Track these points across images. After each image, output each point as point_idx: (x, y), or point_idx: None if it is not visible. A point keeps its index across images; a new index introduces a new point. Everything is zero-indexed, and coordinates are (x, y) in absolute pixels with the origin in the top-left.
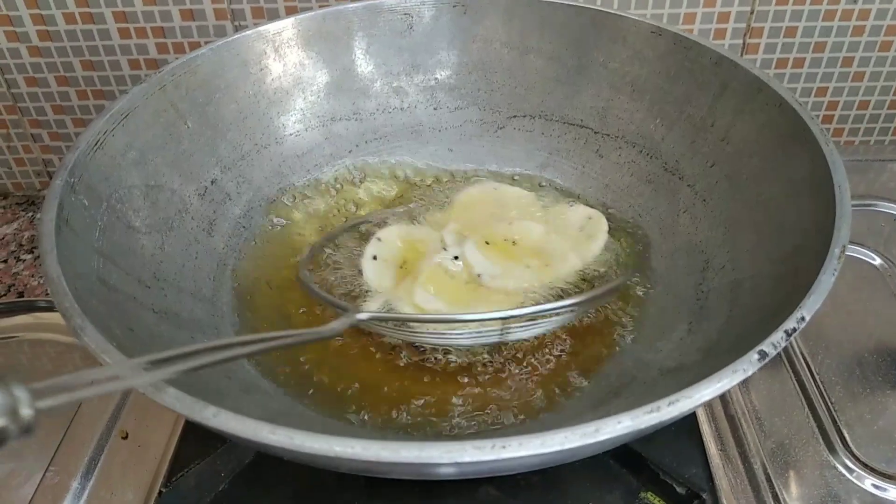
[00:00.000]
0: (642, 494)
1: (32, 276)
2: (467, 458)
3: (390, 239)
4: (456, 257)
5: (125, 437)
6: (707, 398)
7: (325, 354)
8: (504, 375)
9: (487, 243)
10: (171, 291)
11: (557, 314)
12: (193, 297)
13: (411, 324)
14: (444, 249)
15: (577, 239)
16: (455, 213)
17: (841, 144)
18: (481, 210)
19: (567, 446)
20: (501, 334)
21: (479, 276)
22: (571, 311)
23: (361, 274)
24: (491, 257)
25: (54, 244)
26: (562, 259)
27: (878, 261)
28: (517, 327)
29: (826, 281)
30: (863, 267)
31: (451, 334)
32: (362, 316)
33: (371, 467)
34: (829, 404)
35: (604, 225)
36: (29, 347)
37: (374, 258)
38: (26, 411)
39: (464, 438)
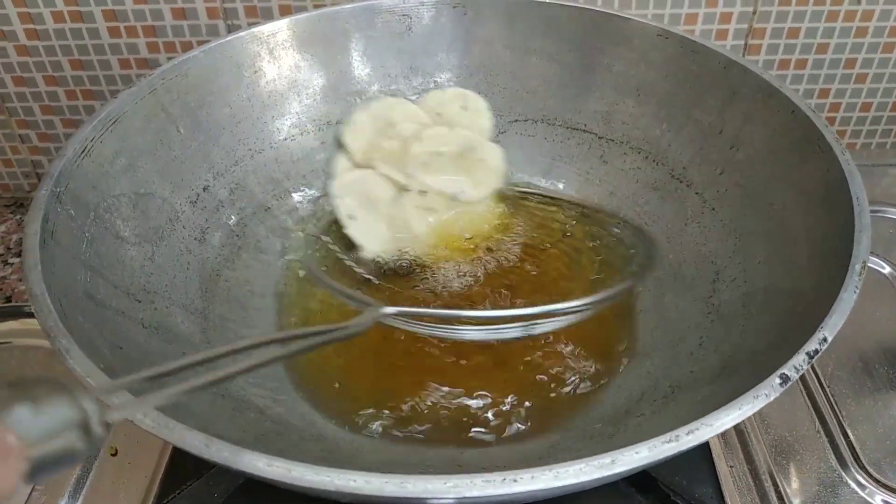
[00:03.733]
0: None
1: (20, 280)
2: (476, 493)
3: (349, 185)
4: (423, 191)
5: (114, 454)
6: (727, 426)
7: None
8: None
9: (426, 164)
10: (162, 304)
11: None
12: (185, 309)
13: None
14: (406, 190)
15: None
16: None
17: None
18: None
19: (582, 479)
20: (526, 328)
21: (454, 195)
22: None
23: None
24: (441, 171)
25: (38, 259)
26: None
27: (887, 269)
28: (544, 322)
29: (848, 299)
30: (871, 275)
31: (470, 330)
32: (389, 310)
33: (373, 501)
34: (840, 418)
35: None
36: (19, 353)
37: (351, 217)
38: (97, 429)
39: (472, 471)
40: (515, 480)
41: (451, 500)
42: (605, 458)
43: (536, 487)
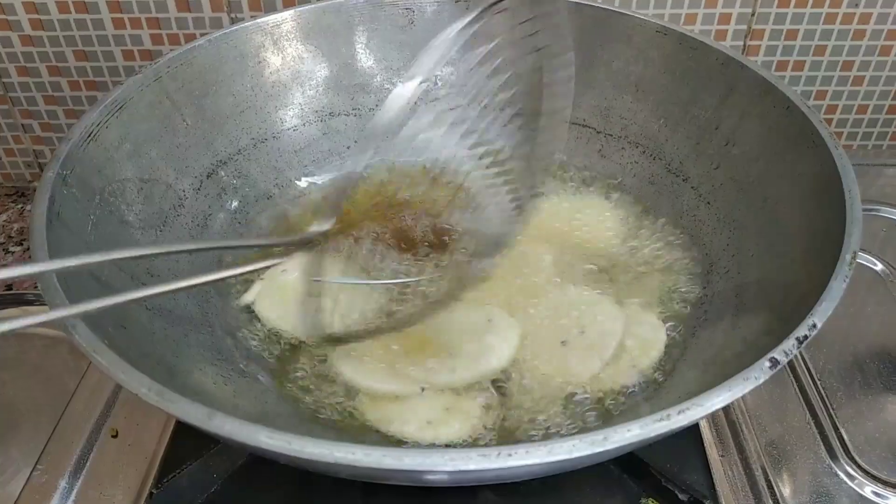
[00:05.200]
0: (643, 501)
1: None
2: (472, 466)
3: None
4: None
5: (115, 436)
6: (718, 406)
7: None
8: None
9: None
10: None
11: None
12: (186, 293)
13: None
14: None
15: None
16: None
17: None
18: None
19: (575, 455)
20: None
21: None
22: None
23: None
24: None
25: (45, 239)
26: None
27: (879, 266)
28: None
29: (837, 287)
30: (864, 272)
31: None
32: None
33: (372, 474)
34: (831, 410)
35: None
36: (17, 341)
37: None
38: None
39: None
40: (510, 455)
41: (447, 473)
42: (598, 435)
43: (531, 462)
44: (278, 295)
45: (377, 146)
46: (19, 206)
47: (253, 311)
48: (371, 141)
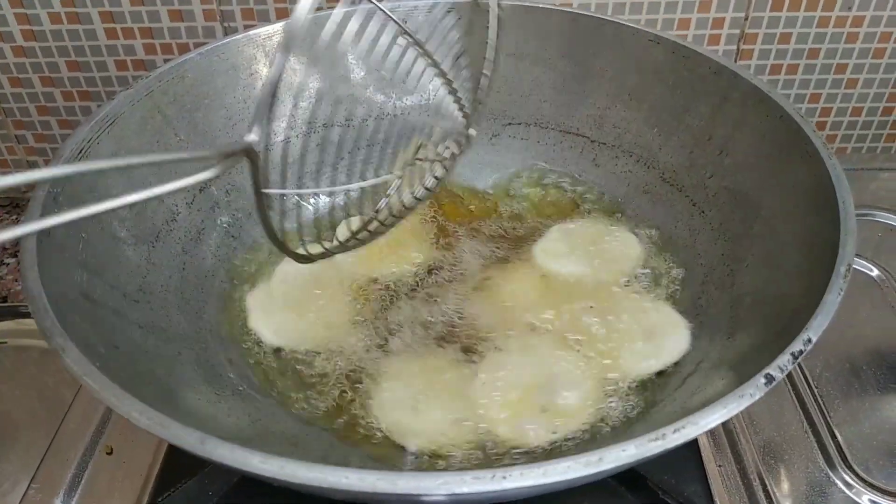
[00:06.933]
0: None
1: (16, 280)
2: (466, 490)
3: None
4: None
5: (110, 453)
6: (713, 424)
7: None
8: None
9: None
10: (158, 305)
11: None
12: (180, 310)
13: None
14: None
15: None
16: None
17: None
18: None
19: (570, 476)
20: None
21: None
22: None
23: None
24: None
25: (35, 259)
26: None
27: (875, 272)
28: None
29: (832, 301)
30: (860, 278)
31: None
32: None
33: (367, 498)
34: (828, 417)
35: None
36: (13, 353)
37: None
38: None
39: (462, 470)
40: (505, 477)
41: (442, 497)
42: (593, 456)
43: (526, 484)
44: (273, 308)
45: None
46: (13, 216)
47: (246, 328)
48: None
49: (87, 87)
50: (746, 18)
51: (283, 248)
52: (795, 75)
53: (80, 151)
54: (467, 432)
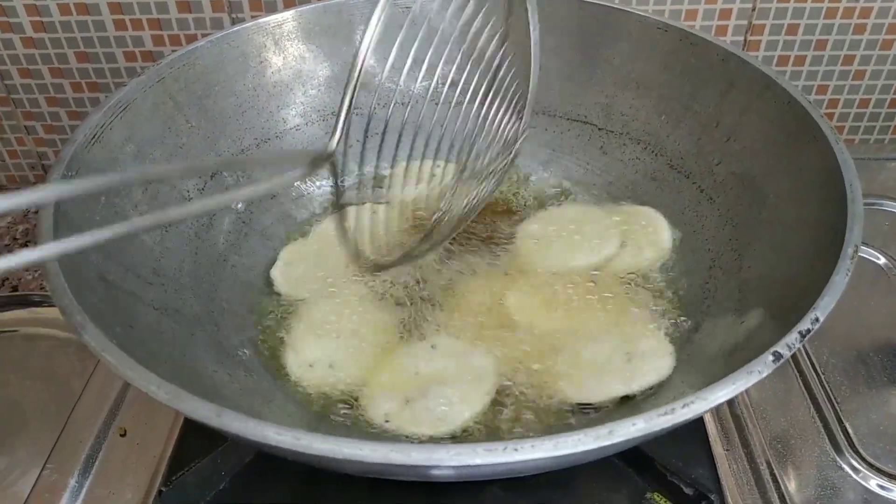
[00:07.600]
0: (649, 495)
1: (27, 270)
2: (478, 461)
3: None
4: None
5: (123, 435)
6: (722, 400)
7: None
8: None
9: None
10: (171, 287)
11: None
12: (193, 293)
13: None
14: None
15: None
16: None
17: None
18: None
19: (580, 449)
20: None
21: None
22: None
23: None
24: None
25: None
26: None
27: (882, 260)
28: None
29: (840, 282)
30: (867, 266)
31: None
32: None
33: (380, 469)
34: (835, 404)
35: None
36: (23, 342)
37: None
38: None
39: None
40: (516, 449)
41: (453, 468)
42: (603, 429)
43: (536, 456)
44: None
45: None
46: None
47: (260, 309)
48: None
49: (96, 79)
50: (754, 9)
51: (356, 257)
52: (803, 66)
53: (94, 136)
54: None
